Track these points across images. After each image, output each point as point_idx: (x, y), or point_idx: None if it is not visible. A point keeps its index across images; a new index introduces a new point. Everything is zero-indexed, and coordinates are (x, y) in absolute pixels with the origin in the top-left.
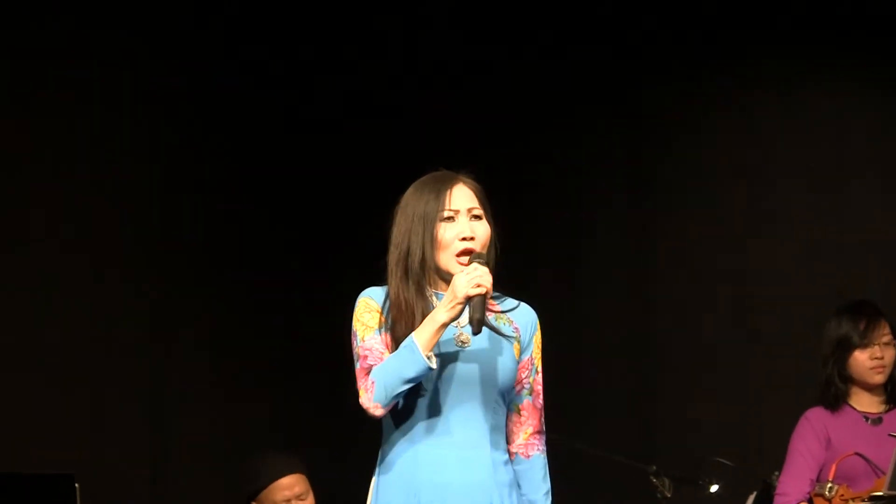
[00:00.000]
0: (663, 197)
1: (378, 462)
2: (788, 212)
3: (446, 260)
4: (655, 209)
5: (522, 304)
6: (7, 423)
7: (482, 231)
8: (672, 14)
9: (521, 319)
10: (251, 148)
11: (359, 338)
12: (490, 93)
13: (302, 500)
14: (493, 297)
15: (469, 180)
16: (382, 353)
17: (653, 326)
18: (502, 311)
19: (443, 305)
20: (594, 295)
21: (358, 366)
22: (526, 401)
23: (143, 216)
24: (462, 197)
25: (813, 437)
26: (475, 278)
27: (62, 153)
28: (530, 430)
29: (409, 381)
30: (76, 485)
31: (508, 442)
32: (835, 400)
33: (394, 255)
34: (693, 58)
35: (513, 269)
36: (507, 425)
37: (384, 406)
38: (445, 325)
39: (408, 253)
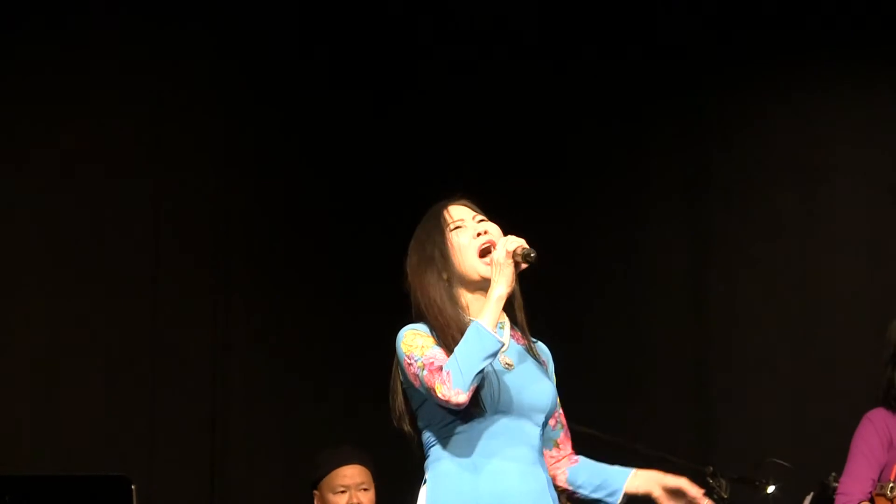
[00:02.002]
0: (720, 196)
1: (428, 475)
2: (847, 211)
3: (471, 262)
4: (712, 208)
5: (538, 341)
6: (64, 425)
7: (494, 229)
8: (729, 14)
9: (543, 352)
10: (310, 144)
11: (417, 355)
12: (546, 92)
13: (364, 489)
14: (519, 332)
15: (462, 199)
16: (447, 357)
17: (709, 326)
18: (531, 343)
19: (493, 281)
20: (650, 294)
21: (426, 372)
22: (561, 434)
23: (201, 218)
24: (461, 210)
25: (875, 438)
26: (506, 240)
27: (122, 153)
28: (569, 452)
29: (484, 359)
30: (133, 486)
31: (553, 471)
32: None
33: (422, 284)
34: (750, 57)
35: (569, 268)
36: (546, 461)
37: (465, 390)
38: (503, 299)
39: (438, 277)
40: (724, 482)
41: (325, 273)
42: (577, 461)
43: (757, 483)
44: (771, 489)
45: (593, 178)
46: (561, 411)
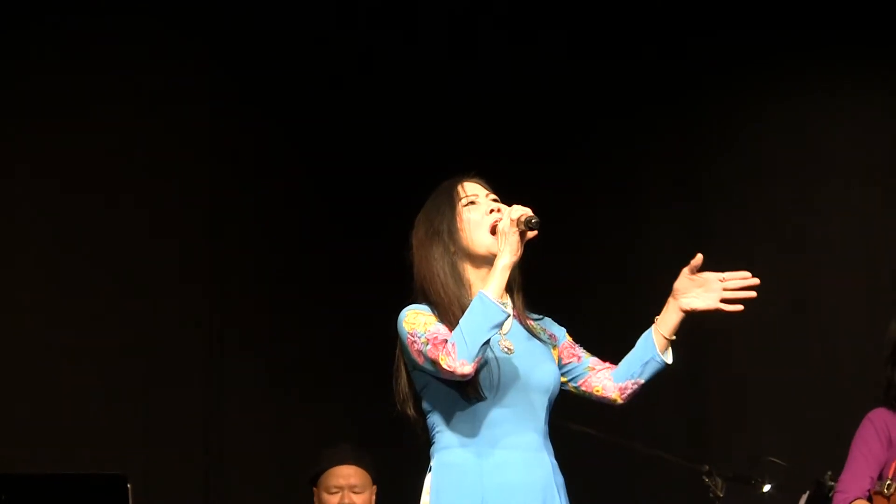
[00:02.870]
0: (717, 195)
1: (433, 464)
2: (845, 212)
3: (481, 238)
4: (709, 207)
5: (543, 317)
6: (61, 424)
7: (506, 209)
8: (725, 14)
9: (549, 326)
10: (305, 143)
11: (420, 332)
12: (543, 93)
13: (356, 492)
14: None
15: (476, 177)
16: (450, 332)
17: (705, 325)
18: (535, 321)
19: (499, 250)
20: (646, 293)
21: (430, 346)
22: (591, 360)
23: (194, 219)
24: (475, 187)
25: (875, 437)
26: (510, 210)
27: (117, 155)
28: (606, 365)
29: (490, 330)
30: (128, 485)
31: (602, 383)
32: None
33: (427, 257)
34: (749, 58)
35: (566, 266)
36: (587, 386)
37: (471, 361)
38: (508, 268)
39: (444, 251)
40: (720, 481)
41: (319, 274)
42: (615, 366)
43: (753, 482)
44: (767, 488)
45: (592, 178)
46: (578, 349)
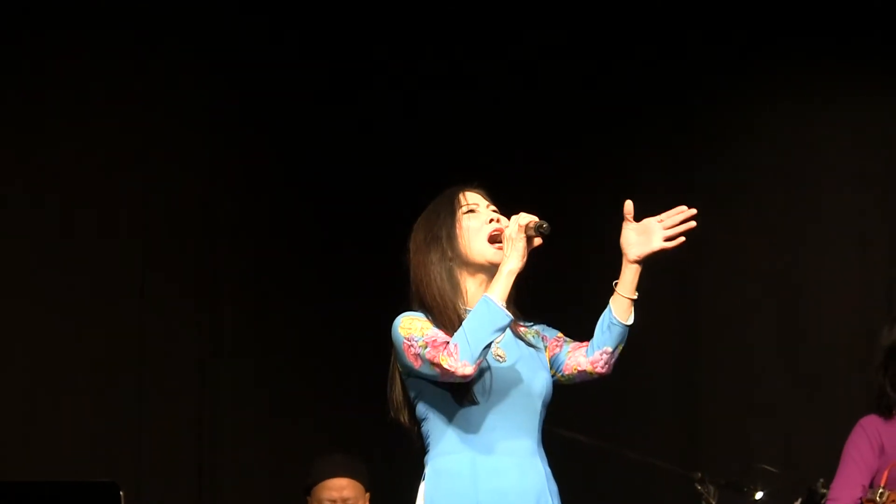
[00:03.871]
0: (709, 200)
1: (427, 471)
2: (836, 216)
3: (479, 246)
4: (701, 213)
5: (533, 324)
6: (53, 431)
7: (505, 221)
8: (721, 18)
9: (543, 331)
10: (296, 151)
11: (417, 336)
12: (538, 95)
13: None
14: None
15: (478, 187)
16: (448, 336)
17: (698, 332)
18: (527, 327)
19: (505, 255)
20: (638, 300)
21: (429, 349)
22: (570, 345)
23: (187, 223)
24: (476, 196)
25: (866, 444)
26: (518, 216)
27: (111, 161)
28: (582, 344)
29: (493, 333)
30: (121, 493)
31: (576, 360)
32: (888, 408)
33: (425, 261)
34: (743, 63)
35: (557, 272)
36: (568, 369)
37: (472, 363)
38: (514, 273)
39: (442, 257)
40: (712, 488)
41: (311, 279)
42: (587, 343)
43: (745, 489)
44: (759, 495)
45: (585, 180)
46: (562, 340)
